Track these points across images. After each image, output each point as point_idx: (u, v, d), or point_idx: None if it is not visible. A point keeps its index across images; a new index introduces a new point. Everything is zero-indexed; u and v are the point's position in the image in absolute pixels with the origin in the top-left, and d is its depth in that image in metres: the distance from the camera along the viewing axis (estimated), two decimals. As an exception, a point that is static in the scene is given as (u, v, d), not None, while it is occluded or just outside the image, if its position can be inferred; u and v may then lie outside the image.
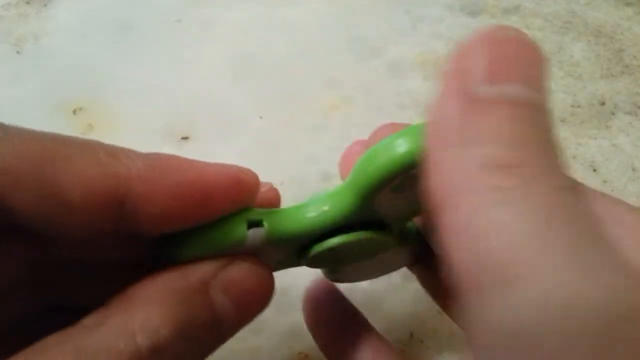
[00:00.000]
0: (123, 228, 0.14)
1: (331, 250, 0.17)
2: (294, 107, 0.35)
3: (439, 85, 0.12)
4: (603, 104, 0.35)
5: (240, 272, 0.15)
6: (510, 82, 0.11)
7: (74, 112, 0.35)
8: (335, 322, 0.21)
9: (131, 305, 0.13)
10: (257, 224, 0.15)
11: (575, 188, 0.11)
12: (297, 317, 0.26)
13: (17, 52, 0.39)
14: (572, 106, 0.35)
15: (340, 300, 0.22)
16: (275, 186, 0.18)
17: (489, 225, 0.10)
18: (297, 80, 0.36)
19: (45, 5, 0.42)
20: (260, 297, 0.16)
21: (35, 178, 0.13)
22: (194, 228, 0.15)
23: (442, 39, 0.39)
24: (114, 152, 0.14)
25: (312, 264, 0.18)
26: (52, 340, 0.13)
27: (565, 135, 0.33)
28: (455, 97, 0.11)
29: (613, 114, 0.34)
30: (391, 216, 0.17)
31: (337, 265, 0.19)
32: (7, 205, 0.13)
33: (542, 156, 0.11)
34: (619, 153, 0.32)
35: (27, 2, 0.42)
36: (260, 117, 0.34)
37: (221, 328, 0.15)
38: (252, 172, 0.16)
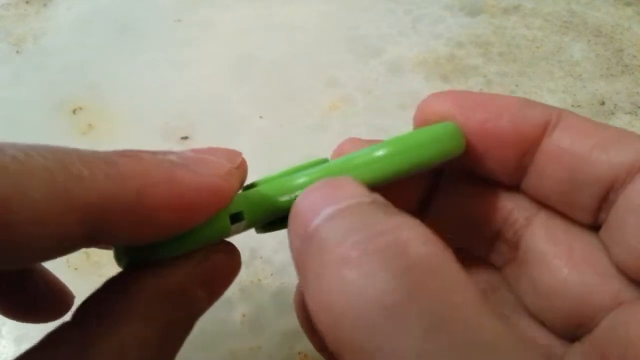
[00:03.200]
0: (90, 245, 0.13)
1: None
2: (294, 107, 0.35)
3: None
4: (603, 104, 0.35)
5: (216, 265, 0.15)
6: (324, 209, 0.12)
7: (74, 112, 0.35)
8: None
9: (115, 320, 0.13)
10: (238, 216, 0.15)
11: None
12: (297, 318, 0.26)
13: (17, 52, 0.39)
14: (572, 106, 0.35)
15: None
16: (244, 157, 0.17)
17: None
18: (297, 80, 0.36)
19: (45, 5, 0.42)
20: (231, 279, 0.16)
21: None
22: None
23: (442, 39, 0.39)
24: (76, 172, 0.12)
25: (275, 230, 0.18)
26: None
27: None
28: (301, 249, 0.13)
29: (613, 114, 0.34)
30: None
31: None
32: None
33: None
34: (619, 153, 0.32)
35: (27, 2, 0.42)
36: (260, 117, 0.34)
37: (196, 319, 0.15)
38: (233, 176, 0.15)
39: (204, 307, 0.15)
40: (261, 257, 0.28)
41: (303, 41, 0.39)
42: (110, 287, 0.14)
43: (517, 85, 0.36)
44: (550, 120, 0.16)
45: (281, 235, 0.27)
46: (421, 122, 0.17)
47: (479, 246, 0.18)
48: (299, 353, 0.25)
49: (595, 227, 0.16)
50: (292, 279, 0.27)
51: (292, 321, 0.26)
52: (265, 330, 0.26)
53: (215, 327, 0.25)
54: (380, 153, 0.15)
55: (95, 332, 0.13)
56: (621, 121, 0.34)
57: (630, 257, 0.14)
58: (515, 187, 0.17)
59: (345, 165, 0.15)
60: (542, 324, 0.16)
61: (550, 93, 0.35)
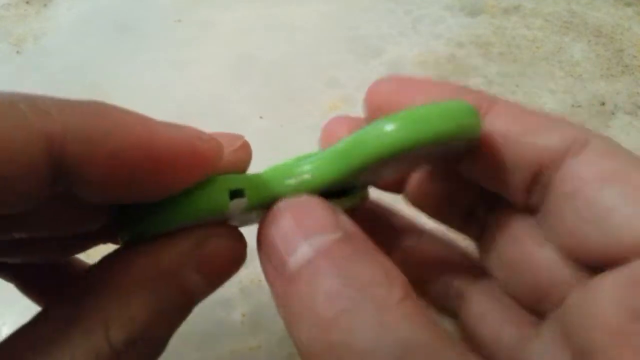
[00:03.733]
0: (68, 198, 0.12)
1: None
2: (294, 107, 0.35)
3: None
4: (603, 104, 0.35)
5: (213, 248, 0.15)
6: (300, 244, 0.13)
7: (74, 112, 0.35)
8: None
9: (102, 297, 0.13)
10: (238, 193, 0.15)
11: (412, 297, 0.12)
12: (297, 317, 0.26)
13: (17, 52, 0.39)
14: (572, 106, 0.35)
15: None
16: (245, 140, 0.17)
17: None
18: (297, 80, 0.36)
19: (45, 5, 0.42)
20: (233, 267, 0.15)
21: None
22: (166, 199, 0.14)
23: (442, 39, 0.39)
24: (43, 107, 0.11)
25: None
26: (21, 343, 0.12)
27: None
28: (276, 280, 0.13)
29: (613, 114, 0.34)
30: (365, 183, 0.17)
31: None
32: None
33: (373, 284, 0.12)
34: (619, 153, 0.32)
35: (27, 2, 0.42)
36: (260, 117, 0.34)
37: (192, 303, 0.15)
38: (214, 140, 0.14)
39: (200, 292, 0.15)
40: (261, 257, 0.28)
41: (303, 41, 0.39)
42: (102, 264, 0.14)
43: (517, 85, 0.36)
44: (481, 106, 0.16)
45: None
46: (372, 109, 0.17)
47: (453, 221, 0.19)
48: (299, 353, 0.25)
49: (529, 210, 0.16)
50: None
51: (292, 321, 0.26)
52: (265, 330, 0.26)
53: (215, 326, 0.25)
54: (390, 127, 0.14)
55: (81, 307, 0.13)
56: (621, 121, 0.34)
57: (570, 243, 0.14)
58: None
59: (357, 143, 0.15)
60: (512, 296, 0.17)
61: (550, 93, 0.35)
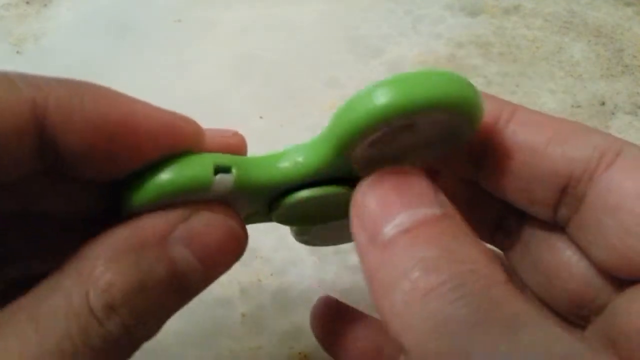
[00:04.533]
0: (51, 168, 0.13)
1: (301, 204, 0.16)
2: (294, 107, 0.35)
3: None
4: (603, 104, 0.35)
5: (204, 223, 0.14)
6: (399, 214, 0.13)
7: (74, 112, 0.35)
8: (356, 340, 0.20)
9: (82, 265, 0.13)
10: (225, 170, 0.14)
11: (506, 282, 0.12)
12: (297, 317, 0.26)
13: (17, 52, 0.39)
14: (572, 106, 0.35)
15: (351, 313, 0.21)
16: (239, 133, 0.17)
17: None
18: (297, 80, 0.36)
19: (45, 5, 0.42)
20: (229, 249, 0.15)
21: None
22: (150, 172, 0.14)
23: (442, 39, 0.39)
24: (32, 80, 0.13)
25: (282, 219, 0.17)
26: (5, 312, 0.12)
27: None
28: (369, 249, 0.13)
29: (613, 114, 0.34)
30: (366, 173, 0.16)
31: (307, 224, 0.19)
32: None
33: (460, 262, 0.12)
34: (619, 153, 0.32)
35: (27, 2, 0.42)
36: (260, 117, 0.34)
37: (185, 283, 0.14)
38: (193, 122, 0.15)
39: (194, 275, 0.14)
40: (261, 257, 0.28)
41: (303, 41, 0.39)
42: (90, 235, 0.14)
43: (517, 85, 0.36)
44: (502, 114, 0.15)
45: (281, 234, 0.27)
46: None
47: (481, 231, 0.18)
48: (299, 353, 0.25)
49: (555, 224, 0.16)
50: (291, 278, 0.27)
51: (292, 321, 0.26)
52: (265, 330, 0.26)
53: (215, 327, 0.25)
54: (378, 91, 0.13)
55: (65, 274, 0.13)
56: (621, 121, 0.34)
57: (612, 257, 0.14)
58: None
59: (345, 112, 0.14)
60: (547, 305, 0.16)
61: (550, 93, 0.35)
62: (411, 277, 0.12)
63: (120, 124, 0.13)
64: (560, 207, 0.15)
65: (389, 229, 0.12)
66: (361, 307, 0.22)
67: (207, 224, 0.14)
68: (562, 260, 0.15)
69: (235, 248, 0.15)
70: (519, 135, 0.15)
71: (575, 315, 0.16)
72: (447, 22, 0.40)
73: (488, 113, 0.15)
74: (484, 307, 0.11)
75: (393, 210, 0.13)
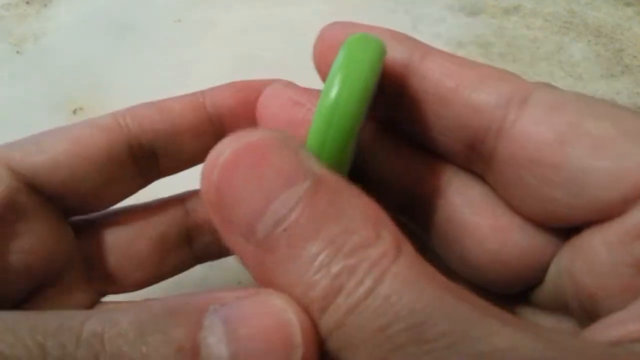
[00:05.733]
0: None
1: None
2: (294, 107, 0.35)
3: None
4: (603, 104, 0.35)
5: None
6: (266, 206, 0.11)
7: (74, 112, 0.35)
8: None
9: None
10: None
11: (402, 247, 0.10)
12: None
13: (17, 52, 0.39)
14: (572, 106, 0.35)
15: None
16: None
17: None
18: (297, 80, 0.36)
19: (45, 5, 0.42)
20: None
21: None
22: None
23: (442, 38, 0.39)
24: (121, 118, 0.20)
25: None
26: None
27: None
28: (246, 250, 0.11)
29: (613, 114, 0.34)
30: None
31: None
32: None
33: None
34: (619, 153, 0.32)
35: (27, 2, 0.42)
36: (260, 117, 0.34)
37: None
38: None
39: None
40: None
41: (303, 41, 0.39)
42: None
43: (517, 85, 0.36)
44: (413, 56, 0.14)
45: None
46: (321, 52, 0.15)
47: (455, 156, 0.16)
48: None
49: (468, 168, 0.14)
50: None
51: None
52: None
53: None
54: (334, 90, 0.12)
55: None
56: (621, 121, 0.34)
57: (536, 209, 0.13)
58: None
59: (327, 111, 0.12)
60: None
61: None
62: (306, 281, 0.10)
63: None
64: (473, 161, 0.14)
65: (262, 227, 0.11)
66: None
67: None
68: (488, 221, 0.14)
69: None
70: (427, 82, 0.13)
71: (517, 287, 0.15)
72: (447, 22, 0.40)
73: (397, 55, 0.13)
74: (376, 307, 0.10)
75: (259, 204, 0.11)
